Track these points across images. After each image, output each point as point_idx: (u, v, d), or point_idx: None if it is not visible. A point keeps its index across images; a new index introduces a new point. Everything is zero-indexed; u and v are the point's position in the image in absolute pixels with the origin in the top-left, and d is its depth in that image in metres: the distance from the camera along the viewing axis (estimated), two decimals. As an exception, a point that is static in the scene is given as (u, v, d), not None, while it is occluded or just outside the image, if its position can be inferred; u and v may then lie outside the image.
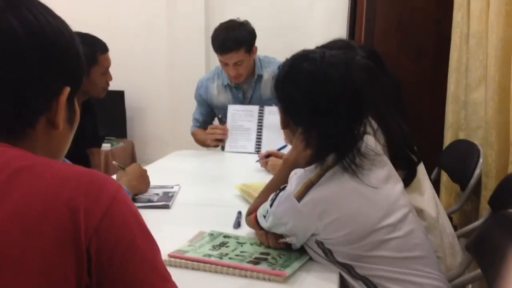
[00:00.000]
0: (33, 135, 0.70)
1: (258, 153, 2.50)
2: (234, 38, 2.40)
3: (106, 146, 3.94)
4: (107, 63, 2.15)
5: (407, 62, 2.84)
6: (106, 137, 4.13)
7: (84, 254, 0.59)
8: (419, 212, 1.47)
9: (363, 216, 1.09)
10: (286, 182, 1.19)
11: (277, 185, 1.23)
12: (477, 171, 1.97)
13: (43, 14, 0.71)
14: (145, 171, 1.78)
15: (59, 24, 0.73)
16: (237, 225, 1.42)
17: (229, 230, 1.39)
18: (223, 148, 2.61)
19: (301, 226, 1.12)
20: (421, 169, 1.56)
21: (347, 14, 3.64)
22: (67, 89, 0.72)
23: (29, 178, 0.60)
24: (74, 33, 0.77)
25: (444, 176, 2.48)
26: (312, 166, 1.13)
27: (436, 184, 2.51)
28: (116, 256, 0.61)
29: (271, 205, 1.16)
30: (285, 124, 1.23)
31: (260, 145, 2.53)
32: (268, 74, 2.63)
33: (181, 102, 4.15)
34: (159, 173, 2.05)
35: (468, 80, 2.23)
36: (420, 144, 1.63)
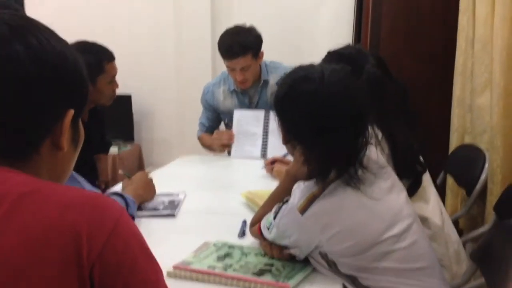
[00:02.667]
0: (38, 159, 0.71)
1: (264, 158, 2.52)
2: (241, 43, 2.41)
3: (113, 150, 3.96)
4: (114, 71, 2.16)
5: (413, 65, 2.82)
6: (114, 140, 4.16)
7: (87, 280, 0.60)
8: (424, 221, 1.47)
9: (366, 228, 1.09)
10: (289, 193, 1.20)
11: (279, 196, 1.24)
12: (482, 176, 1.97)
13: (47, 38, 0.72)
14: (151, 179, 1.79)
15: (63, 48, 0.74)
16: (242, 234, 1.44)
17: (234, 239, 1.40)
18: (229, 153, 2.62)
19: (304, 238, 1.13)
20: (426, 177, 1.56)
21: (353, 16, 3.64)
22: (71, 112, 0.73)
23: (32, 204, 0.62)
24: (78, 55, 0.78)
25: (450, 179, 2.47)
26: (315, 180, 1.14)
27: (442, 188, 2.51)
28: (119, 281, 0.62)
29: (274, 218, 1.17)
30: (286, 140, 1.23)
31: (266, 150, 2.54)
32: (274, 79, 2.64)
33: (188, 105, 4.17)
34: (165, 179, 2.06)
35: (474, 85, 2.22)
36: (426, 151, 1.63)
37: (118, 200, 1.47)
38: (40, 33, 0.71)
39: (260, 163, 2.33)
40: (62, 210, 0.62)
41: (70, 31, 4.22)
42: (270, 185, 1.95)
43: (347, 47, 1.63)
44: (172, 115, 4.38)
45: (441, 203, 1.60)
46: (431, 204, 1.53)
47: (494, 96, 1.84)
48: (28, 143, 0.70)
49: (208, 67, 4.11)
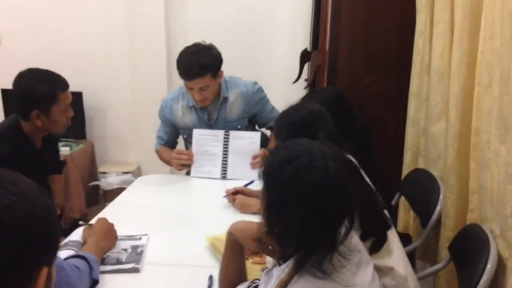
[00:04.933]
0: None
1: (224, 178, 2.51)
2: (199, 64, 2.36)
3: (65, 150, 3.83)
4: (67, 100, 2.09)
5: (372, 68, 2.81)
6: (64, 139, 4.02)
7: None
8: (389, 271, 1.51)
9: (335, 315, 1.12)
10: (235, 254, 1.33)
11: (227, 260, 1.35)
12: (437, 208, 2.04)
13: (15, 197, 0.68)
14: (112, 225, 1.75)
15: (29, 204, 0.69)
16: (209, 294, 1.45)
17: (202, 301, 1.42)
18: (188, 173, 2.60)
19: (275, 325, 1.14)
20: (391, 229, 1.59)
21: (310, 16, 3.63)
22: (45, 270, 0.70)
23: None
24: (47, 199, 0.73)
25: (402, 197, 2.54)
26: (283, 265, 1.15)
27: (396, 207, 2.59)
28: None
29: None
30: (266, 219, 1.19)
31: (226, 170, 2.53)
32: (233, 95, 2.62)
33: (142, 100, 4.10)
34: (125, 215, 2.03)
35: (429, 111, 2.27)
36: (389, 206, 1.66)
37: (81, 264, 1.43)
38: (6, 195, 0.67)
39: (221, 184, 2.32)
40: None
41: (21, 30, 4.02)
42: (233, 216, 1.98)
43: (298, 109, 1.59)
44: (126, 110, 4.28)
45: (403, 251, 1.64)
46: (394, 255, 1.56)
47: (449, 138, 1.90)
48: None
49: (162, 63, 4.06)
